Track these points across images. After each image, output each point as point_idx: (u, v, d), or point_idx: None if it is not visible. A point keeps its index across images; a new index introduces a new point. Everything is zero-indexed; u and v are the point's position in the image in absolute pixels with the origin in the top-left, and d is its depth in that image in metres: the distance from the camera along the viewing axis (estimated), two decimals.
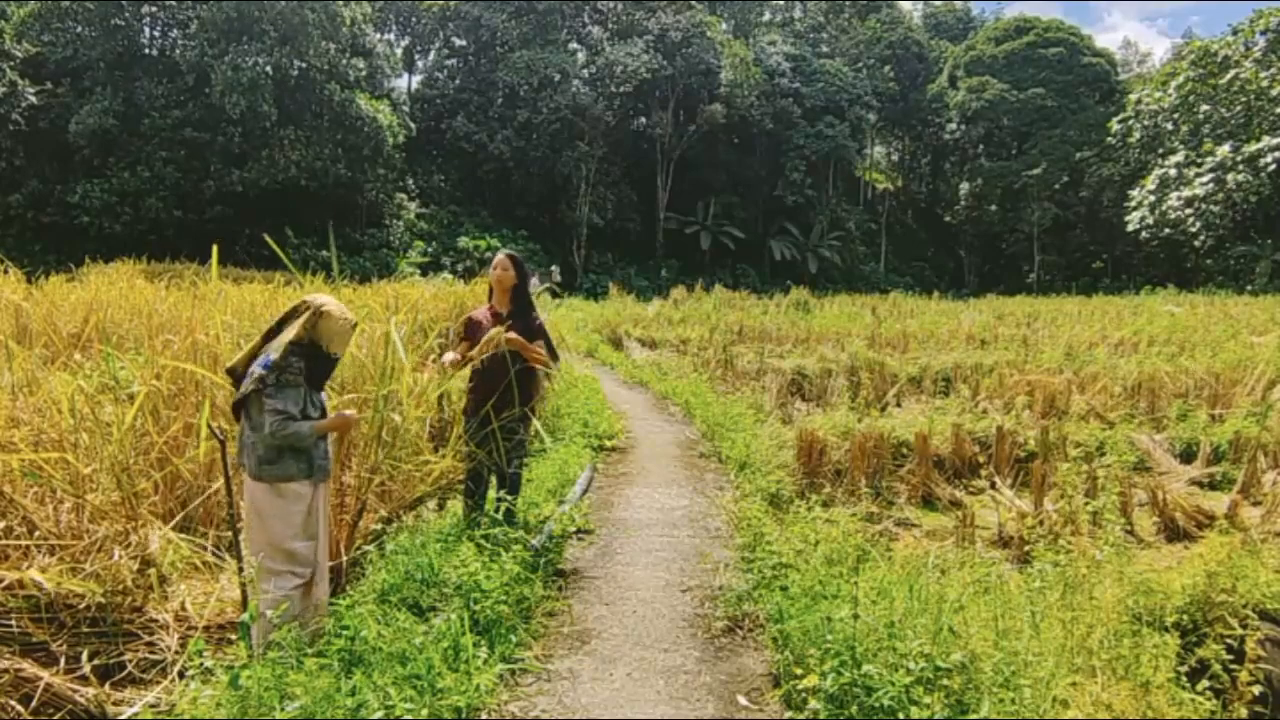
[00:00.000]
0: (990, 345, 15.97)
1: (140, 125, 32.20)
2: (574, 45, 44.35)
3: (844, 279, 45.38)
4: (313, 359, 3.67)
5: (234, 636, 3.65)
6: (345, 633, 3.31)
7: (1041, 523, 6.45)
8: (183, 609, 3.85)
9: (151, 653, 3.60)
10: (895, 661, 3.08)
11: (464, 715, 3.10)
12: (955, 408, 11.01)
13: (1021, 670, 3.02)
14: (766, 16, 58.95)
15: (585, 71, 43.24)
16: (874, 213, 54.81)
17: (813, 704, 3.11)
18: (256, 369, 3.57)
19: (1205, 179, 35.03)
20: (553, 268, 30.05)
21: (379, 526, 4.73)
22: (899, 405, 11.85)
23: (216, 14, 31.89)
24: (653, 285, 38.94)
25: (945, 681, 2.95)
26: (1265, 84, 35.11)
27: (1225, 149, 34.93)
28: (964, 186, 50.39)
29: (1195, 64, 37.96)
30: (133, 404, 4.53)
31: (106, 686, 3.40)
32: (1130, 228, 39.10)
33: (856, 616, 3.28)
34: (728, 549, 5.38)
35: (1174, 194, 36.41)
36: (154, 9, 35.41)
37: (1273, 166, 33.04)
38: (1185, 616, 4.05)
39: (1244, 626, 3.85)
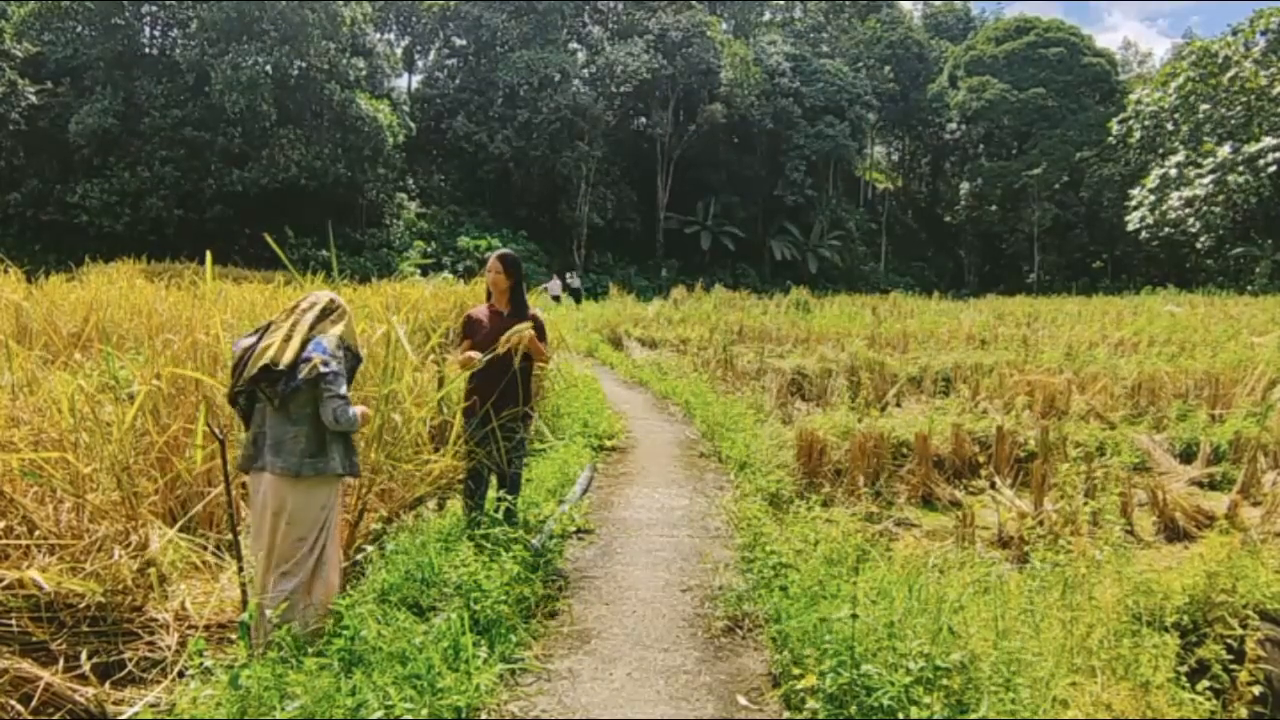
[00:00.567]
0: (990, 345, 15.97)
1: (140, 125, 32.21)
2: (574, 45, 44.34)
3: (844, 279, 45.37)
4: (347, 356, 3.71)
5: (234, 636, 3.65)
6: (345, 632, 3.31)
7: (1041, 523, 6.45)
8: (183, 608, 3.85)
9: (151, 652, 3.60)
10: (895, 661, 3.08)
11: (464, 715, 3.10)
12: (955, 408, 11.01)
13: (1021, 670, 3.02)
14: (766, 16, 58.94)
15: (585, 71, 43.23)
16: (874, 213, 54.81)
17: (811, 704, 3.11)
18: (315, 354, 3.48)
19: (1205, 179, 35.01)
20: (570, 272, 29.83)
21: (379, 526, 4.73)
22: (899, 405, 11.85)
23: (216, 13, 31.89)
24: (653, 285, 38.93)
25: (945, 681, 2.95)
26: (1265, 84, 35.10)
27: (1225, 149, 34.92)
28: (964, 186, 50.38)
29: (1195, 64, 37.95)
30: (133, 404, 4.53)
31: (106, 686, 3.40)
32: (1130, 228, 39.09)
33: (855, 616, 3.28)
34: (728, 549, 5.38)
35: (1174, 194, 36.39)
36: (154, 8, 35.42)
37: (1273, 167, 33.03)
38: (1185, 616, 4.05)
39: (1244, 626, 3.86)
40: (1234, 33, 37.84)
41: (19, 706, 3.13)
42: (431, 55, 46.49)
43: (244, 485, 4.01)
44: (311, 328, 3.61)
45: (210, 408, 4.71)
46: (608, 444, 8.67)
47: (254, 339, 3.65)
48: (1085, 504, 6.53)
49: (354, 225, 36.50)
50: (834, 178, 49.53)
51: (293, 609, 3.47)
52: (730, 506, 6.24)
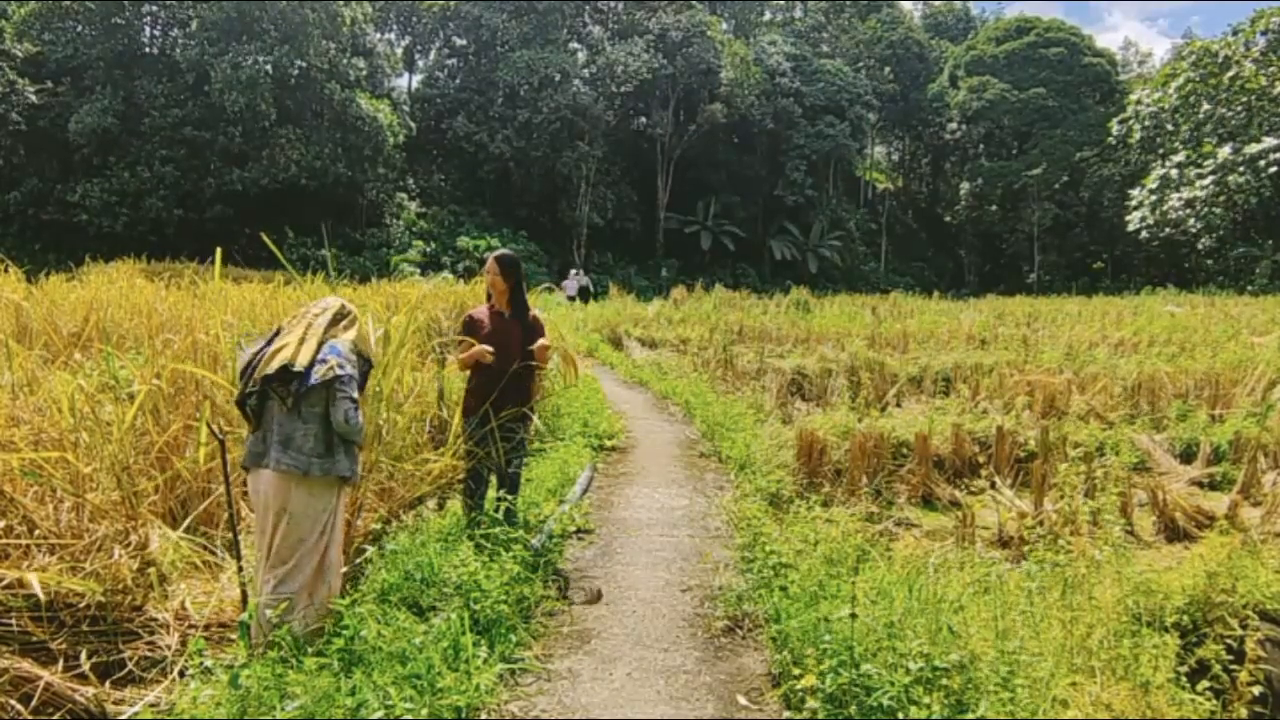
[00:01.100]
0: (990, 345, 15.97)
1: (140, 124, 32.19)
2: (574, 45, 44.29)
3: (844, 279, 45.34)
4: (360, 361, 3.78)
5: (234, 636, 3.65)
6: (345, 632, 3.31)
7: (1041, 523, 6.44)
8: (183, 608, 3.85)
9: (151, 652, 3.60)
10: (894, 661, 3.08)
11: (464, 715, 3.10)
12: (955, 408, 11.01)
13: (1021, 670, 3.02)
14: (767, 16, 58.92)
15: (585, 71, 43.19)
16: (874, 213, 54.78)
17: (811, 704, 3.11)
18: (331, 357, 3.55)
19: (1206, 180, 34.99)
20: (576, 271, 29.69)
21: (379, 526, 4.73)
22: (899, 405, 11.85)
23: (216, 13, 31.87)
24: (653, 285, 38.91)
25: (944, 681, 2.95)
26: (1265, 84, 35.08)
27: (1226, 150, 34.90)
28: (964, 186, 50.36)
29: (1195, 64, 37.93)
30: (133, 403, 4.54)
31: (106, 686, 3.40)
32: (1130, 228, 39.06)
33: (855, 616, 3.28)
34: (727, 549, 5.38)
35: (1174, 194, 36.37)
36: (154, 8, 35.39)
37: (1274, 168, 33.00)
38: (1185, 617, 4.05)
39: (1244, 626, 3.86)
40: (1234, 32, 37.82)
41: (19, 706, 3.13)
42: (431, 55, 46.46)
43: (244, 484, 4.02)
44: (325, 331, 3.68)
45: (211, 407, 4.71)
46: (608, 444, 8.67)
47: (263, 344, 3.70)
48: (1085, 504, 6.54)
49: (354, 225, 36.48)
50: (834, 178, 49.50)
51: (292, 610, 3.47)
52: (730, 506, 6.24)
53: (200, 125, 32.37)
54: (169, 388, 4.94)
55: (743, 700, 3.48)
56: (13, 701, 3.13)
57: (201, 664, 3.02)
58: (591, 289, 27.76)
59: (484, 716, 3.25)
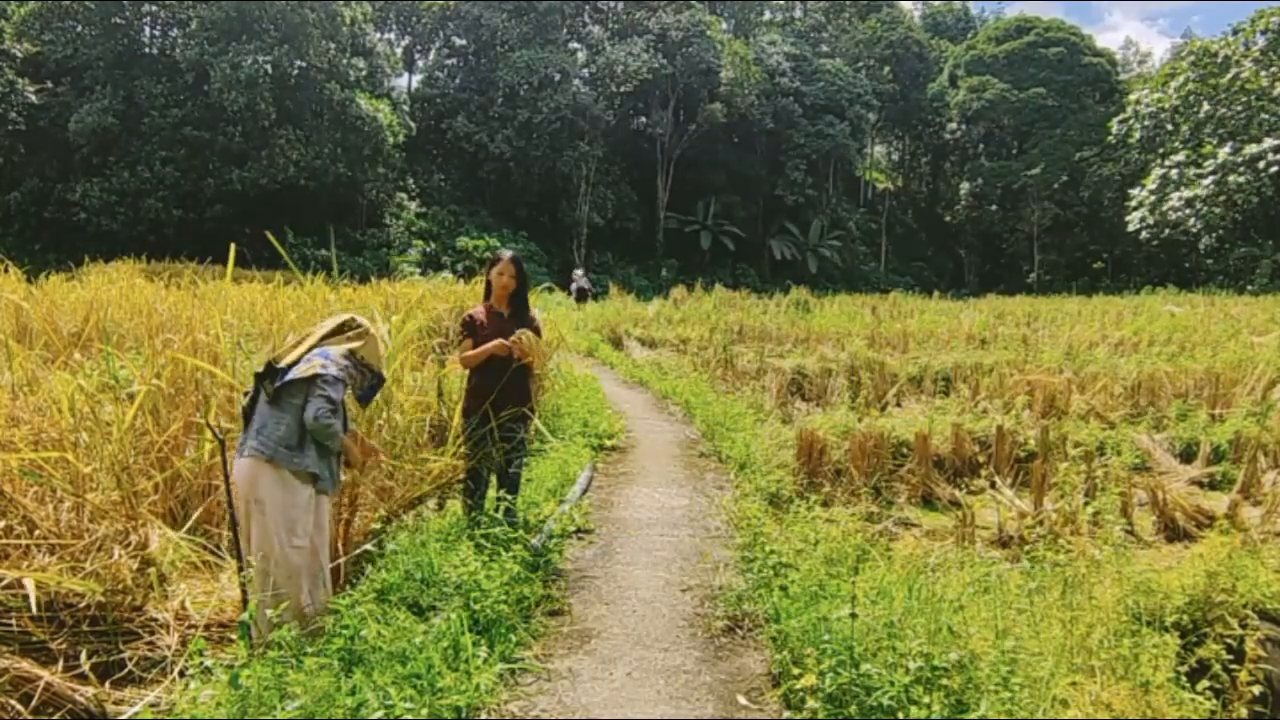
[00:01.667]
0: (990, 345, 15.97)
1: (140, 124, 32.18)
2: (574, 45, 44.30)
3: (844, 279, 45.35)
4: (360, 373, 3.89)
5: (234, 636, 3.65)
6: (345, 632, 3.31)
7: (1041, 523, 6.45)
8: (183, 608, 3.85)
9: (151, 652, 3.60)
10: (894, 661, 3.08)
11: (464, 715, 3.10)
12: (955, 407, 11.01)
13: (1021, 670, 3.02)
14: (767, 16, 58.90)
15: (585, 71, 43.19)
16: (874, 212, 54.79)
17: (811, 703, 3.11)
18: (316, 358, 3.69)
19: (1206, 180, 34.99)
20: (578, 271, 29.46)
21: (379, 526, 4.73)
22: (899, 405, 11.85)
23: (216, 13, 31.86)
24: (653, 285, 38.91)
25: (944, 681, 2.95)
26: (1266, 84, 35.08)
27: (1226, 150, 34.89)
28: (964, 186, 50.36)
29: (1195, 64, 37.92)
30: (133, 403, 4.54)
31: (106, 686, 3.40)
32: (1130, 228, 39.06)
33: (855, 616, 3.28)
34: (727, 548, 5.38)
35: (1174, 194, 36.37)
36: (154, 8, 35.37)
37: (1274, 168, 33.00)
38: (1185, 616, 4.05)
39: (1244, 626, 3.86)
40: (1234, 32, 37.81)
41: (19, 706, 3.13)
42: (431, 55, 46.46)
43: None
44: (321, 340, 3.82)
45: (212, 407, 4.71)
46: (608, 444, 8.67)
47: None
48: (1085, 504, 6.54)
49: (354, 225, 36.48)
50: (834, 177, 49.51)
51: (290, 610, 3.49)
52: (730, 506, 6.24)
53: (200, 125, 32.37)
54: (169, 388, 4.94)
55: (743, 700, 3.48)
56: (13, 701, 3.13)
57: (201, 664, 3.02)
58: (588, 290, 27.30)
59: (484, 716, 3.25)
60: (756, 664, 3.82)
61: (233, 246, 5.35)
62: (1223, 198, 34.51)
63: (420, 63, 47.46)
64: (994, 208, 48.99)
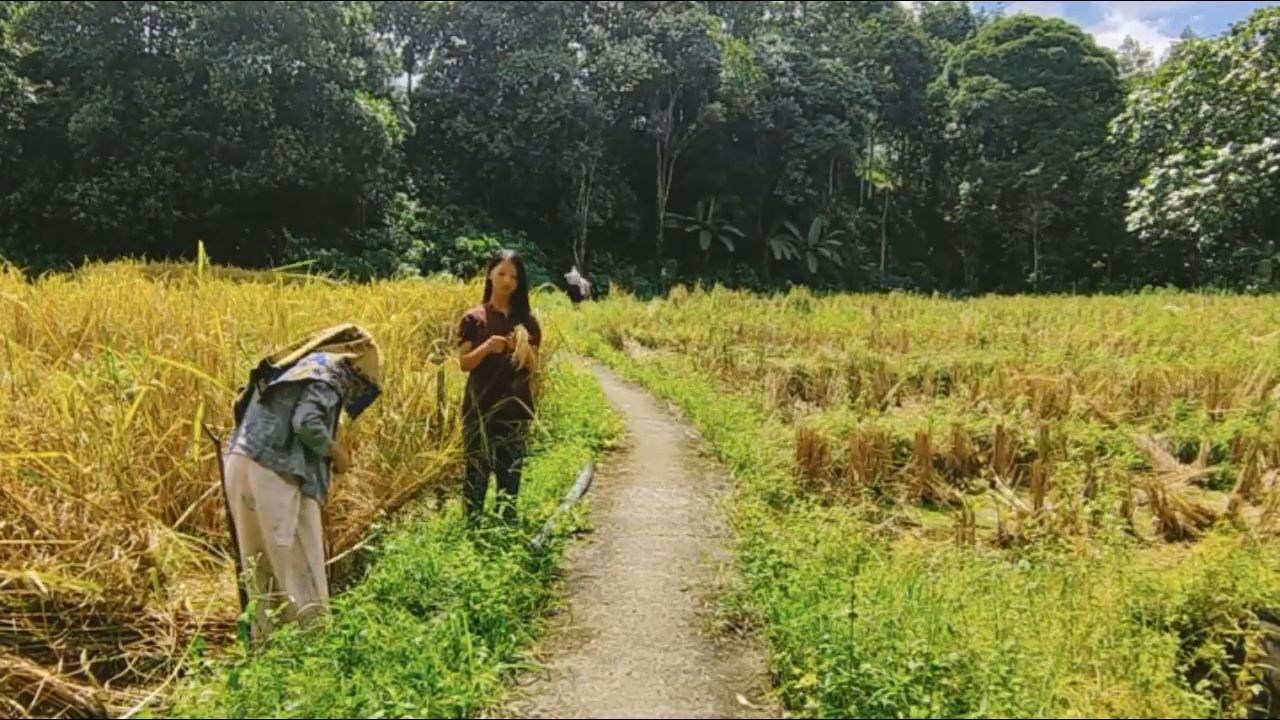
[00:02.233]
0: (990, 345, 15.97)
1: (139, 124, 32.16)
2: (574, 45, 44.29)
3: (844, 278, 45.34)
4: (354, 383, 3.91)
5: (234, 636, 3.65)
6: (345, 632, 3.31)
7: (1041, 522, 6.45)
8: (183, 608, 3.85)
9: (151, 652, 3.60)
10: (894, 661, 3.08)
11: (464, 715, 3.10)
12: (955, 407, 11.01)
13: (1021, 669, 3.02)
14: (766, 16, 58.89)
15: (585, 71, 43.18)
16: (874, 212, 54.78)
17: (811, 703, 3.11)
18: (312, 362, 3.72)
19: (1206, 179, 34.99)
20: (572, 273, 29.13)
21: (379, 525, 4.73)
22: (899, 405, 11.85)
23: (216, 13, 31.85)
24: (653, 285, 38.91)
25: (944, 680, 2.95)
26: (1265, 85, 35.07)
27: (1225, 150, 34.89)
28: (964, 186, 50.34)
29: (1194, 64, 37.92)
30: (132, 403, 4.53)
31: (106, 686, 3.40)
32: (1130, 228, 39.05)
33: (854, 616, 3.28)
34: (727, 548, 5.38)
35: (1174, 194, 36.37)
36: (154, 8, 35.35)
37: (1274, 168, 33.00)
38: (1185, 616, 4.05)
39: (1244, 626, 3.86)
40: (1234, 32, 37.80)
41: (19, 706, 3.13)
42: (431, 55, 46.44)
43: None
44: (321, 345, 3.86)
45: (210, 407, 4.71)
46: (608, 443, 8.67)
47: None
48: (1085, 503, 6.54)
49: (353, 225, 36.46)
50: (834, 177, 49.49)
51: (290, 611, 3.49)
52: (730, 506, 6.24)
53: (199, 125, 32.35)
54: (168, 388, 4.94)
55: (743, 700, 3.48)
56: (13, 701, 3.13)
57: (201, 664, 3.02)
58: (582, 291, 26.71)
59: (484, 716, 3.25)
60: (756, 664, 3.82)
61: (202, 245, 5.32)
62: (1222, 197, 34.50)
63: (420, 63, 47.45)
64: (994, 208, 48.98)
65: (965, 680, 2.96)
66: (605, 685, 3.55)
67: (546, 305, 21.02)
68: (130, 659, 3.54)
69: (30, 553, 3.66)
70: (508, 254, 5.14)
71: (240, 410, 3.80)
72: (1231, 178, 34.00)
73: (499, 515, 4.58)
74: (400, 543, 4.40)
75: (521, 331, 4.90)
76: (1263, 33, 36.19)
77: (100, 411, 4.60)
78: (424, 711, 2.94)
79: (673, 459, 8.32)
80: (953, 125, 51.69)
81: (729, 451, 8.09)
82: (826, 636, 3.32)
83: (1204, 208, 34.93)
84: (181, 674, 3.39)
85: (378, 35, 41.67)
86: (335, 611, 3.63)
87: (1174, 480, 8.44)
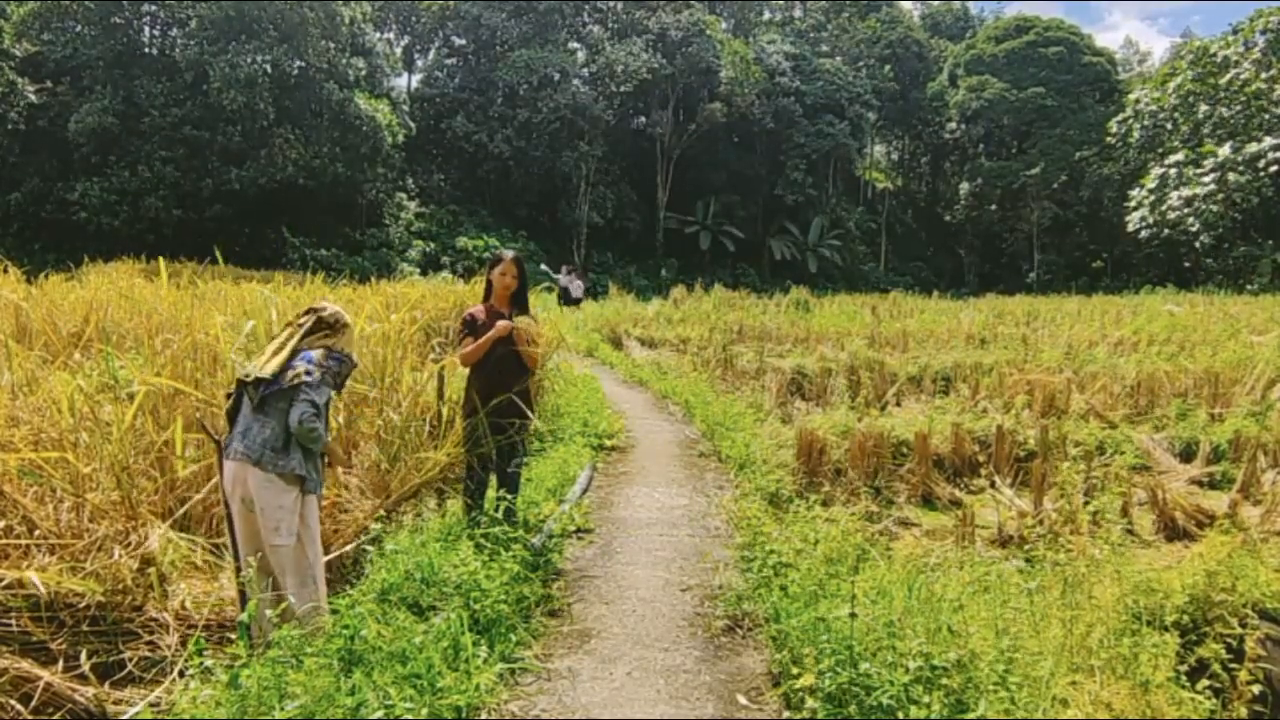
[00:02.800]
0: (990, 344, 15.97)
1: (139, 124, 32.15)
2: (574, 44, 44.28)
3: (844, 278, 45.34)
4: (340, 366, 3.93)
5: (234, 636, 3.65)
6: (345, 632, 3.31)
7: (1041, 522, 6.46)
8: (183, 608, 3.85)
9: (151, 652, 3.60)
10: (894, 660, 3.08)
11: (464, 714, 3.10)
12: (955, 407, 11.01)
13: (1020, 669, 3.02)
14: (766, 16, 58.89)
15: (585, 71, 43.17)
16: (874, 212, 54.78)
17: (811, 703, 3.11)
18: (300, 364, 3.74)
19: (1205, 179, 34.99)
20: (565, 270, 28.53)
21: (378, 525, 4.73)
22: (899, 404, 11.85)
23: (215, 12, 31.84)
24: (653, 284, 38.90)
25: (944, 680, 2.95)
26: (1265, 85, 35.07)
27: (1225, 150, 34.89)
28: (964, 186, 50.35)
29: (1194, 64, 37.92)
30: (132, 404, 4.53)
31: (106, 686, 3.40)
32: (1130, 228, 39.05)
33: (854, 616, 3.28)
34: (727, 548, 5.38)
35: (1174, 194, 36.37)
36: (153, 8, 35.33)
37: (1274, 167, 32.99)
38: (1185, 616, 4.05)
39: (1243, 625, 3.86)
40: (1234, 32, 37.80)
41: (19, 706, 3.13)
42: (431, 55, 46.43)
43: None
44: (302, 340, 3.86)
45: (208, 409, 4.71)
46: (607, 443, 8.67)
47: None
48: (1085, 503, 6.54)
49: (353, 225, 36.45)
50: (834, 177, 49.49)
51: (290, 610, 3.49)
52: (730, 506, 6.24)
53: (199, 125, 32.34)
54: (168, 388, 4.93)
55: (742, 699, 3.48)
56: (13, 701, 3.13)
57: (201, 664, 3.02)
58: (574, 293, 24.69)
59: (484, 716, 3.25)
60: (756, 663, 3.82)
61: (218, 248, 5.33)
62: (1222, 196, 34.50)
63: (420, 62, 47.44)
64: (994, 207, 48.98)
65: (965, 680, 2.96)
66: (605, 685, 3.55)
67: (546, 306, 21.01)
68: (130, 659, 3.54)
69: (30, 552, 3.66)
70: (508, 254, 5.15)
71: (232, 416, 3.82)
72: (1231, 177, 34.00)
73: (499, 515, 4.58)
74: (400, 542, 4.40)
75: (527, 319, 4.96)
76: (1262, 33, 36.19)
77: (100, 411, 4.60)
78: (424, 711, 2.94)
79: (672, 459, 8.32)
80: (952, 125, 51.69)
81: (729, 451, 8.09)
82: (826, 636, 3.32)
83: (1204, 207, 34.93)
84: (181, 674, 3.39)
85: (377, 35, 41.66)
86: (335, 611, 3.63)
87: (1174, 480, 8.44)
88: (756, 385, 12.20)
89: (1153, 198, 37.43)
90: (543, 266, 25.88)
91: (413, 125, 38.58)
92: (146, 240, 30.14)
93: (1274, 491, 7.91)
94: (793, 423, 9.70)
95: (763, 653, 3.92)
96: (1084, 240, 48.52)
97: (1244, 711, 3.20)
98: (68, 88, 32.91)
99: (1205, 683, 3.15)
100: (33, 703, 3.15)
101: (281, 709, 2.78)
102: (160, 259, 7.73)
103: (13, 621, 3.37)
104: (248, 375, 3.71)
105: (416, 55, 47.52)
